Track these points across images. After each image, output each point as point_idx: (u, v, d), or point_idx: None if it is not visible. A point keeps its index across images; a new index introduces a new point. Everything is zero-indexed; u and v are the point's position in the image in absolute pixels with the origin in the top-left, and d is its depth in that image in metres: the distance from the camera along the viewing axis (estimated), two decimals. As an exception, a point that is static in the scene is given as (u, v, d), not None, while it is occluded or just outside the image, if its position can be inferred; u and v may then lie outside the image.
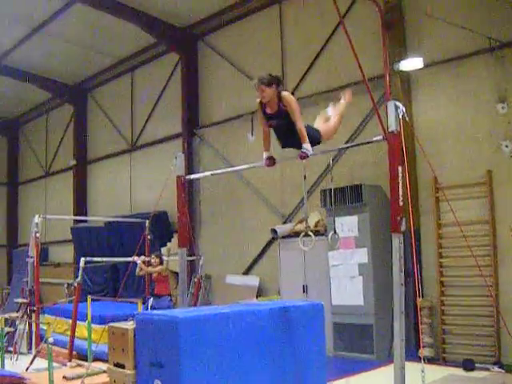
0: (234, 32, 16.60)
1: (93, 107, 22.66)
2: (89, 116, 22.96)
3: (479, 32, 10.91)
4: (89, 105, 22.97)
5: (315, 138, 6.92)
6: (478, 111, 11.29)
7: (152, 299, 11.99)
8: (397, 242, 5.98)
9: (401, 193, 5.92)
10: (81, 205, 22.61)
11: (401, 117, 5.97)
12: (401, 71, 12.00)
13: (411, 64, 11.88)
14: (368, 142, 6.79)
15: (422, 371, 4.92)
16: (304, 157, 6.63)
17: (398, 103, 6.02)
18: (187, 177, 9.17)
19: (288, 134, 6.79)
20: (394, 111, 5.99)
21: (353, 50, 7.24)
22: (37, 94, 23.43)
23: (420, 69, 11.89)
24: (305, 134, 6.58)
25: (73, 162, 22.83)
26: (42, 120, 26.14)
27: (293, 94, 14.38)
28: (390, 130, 6.03)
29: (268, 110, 6.80)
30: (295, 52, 14.91)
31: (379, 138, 6.26)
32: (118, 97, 21.23)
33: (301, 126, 6.61)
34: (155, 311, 9.01)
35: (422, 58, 11.74)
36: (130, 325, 6.86)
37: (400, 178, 5.92)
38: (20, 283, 19.95)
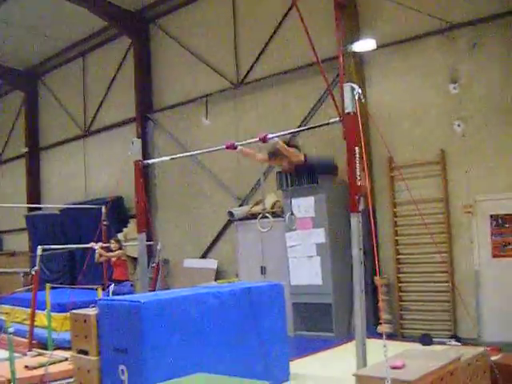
0: (187, 15, 16.46)
1: (44, 93, 22.30)
2: (40, 102, 22.59)
3: (431, 14, 11.06)
4: (40, 91, 22.58)
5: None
6: (431, 91, 11.47)
7: (113, 285, 11.96)
8: (355, 220, 6.09)
9: (358, 173, 6.02)
10: (35, 192, 22.33)
11: (357, 98, 6.05)
12: (354, 52, 12.10)
13: (364, 45, 11.99)
14: (325, 124, 6.85)
15: (384, 346, 5.03)
16: (264, 140, 6.78)
17: (354, 85, 6.09)
18: (145, 161, 9.13)
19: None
20: (350, 93, 6.06)
21: (306, 31, 7.31)
22: (-15, 81, 23.04)
23: (373, 50, 12.00)
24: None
25: (25, 149, 22.49)
26: (-9, 107, 25.68)
27: (246, 75, 14.52)
28: (346, 111, 6.12)
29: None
30: (248, 34, 14.86)
31: (336, 119, 6.35)
32: (69, 82, 20.90)
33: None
34: (117, 297, 9.01)
35: (375, 40, 11.86)
36: (92, 311, 6.87)
37: (357, 158, 6.02)
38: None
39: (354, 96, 6.04)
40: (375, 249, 6.27)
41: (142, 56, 17.49)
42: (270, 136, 6.72)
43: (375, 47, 11.91)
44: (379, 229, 11.95)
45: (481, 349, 6.79)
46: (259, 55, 14.47)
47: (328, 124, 6.69)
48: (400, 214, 11.68)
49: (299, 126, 12.79)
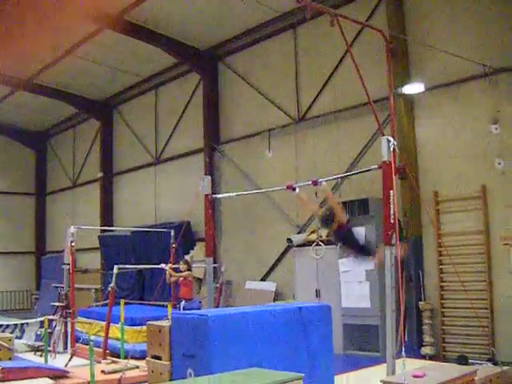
0: (252, 54, 17.73)
1: (118, 122, 23.88)
2: (114, 131, 24.18)
3: (475, 59, 11.95)
4: (114, 120, 24.18)
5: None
6: (474, 131, 12.33)
7: (184, 302, 13.03)
8: (388, 252, 7.12)
9: (392, 212, 7.06)
10: (107, 215, 23.81)
11: (392, 149, 7.10)
12: (404, 94, 13.10)
13: (413, 88, 13.04)
14: (366, 171, 7.96)
15: (404, 361, 5.96)
16: (316, 184, 7.95)
17: (389, 138, 7.15)
18: (214, 196, 10.25)
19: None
20: (386, 144, 7.12)
21: (358, 73, 8.39)
22: (65, 110, 24.76)
23: (422, 92, 13.01)
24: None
25: (99, 174, 24.01)
26: (69, 134, 27.51)
27: (306, 112, 15.59)
28: (383, 160, 7.17)
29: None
30: (308, 74, 16.01)
31: (375, 166, 7.42)
32: (142, 113, 22.42)
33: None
34: (187, 311, 10.19)
35: (423, 83, 12.89)
36: (165, 323, 8.10)
37: (391, 200, 7.07)
38: (48, 288, 21.01)
39: (389, 147, 7.10)
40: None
41: (211, 91, 18.76)
42: (320, 180, 7.85)
43: (423, 90, 12.91)
44: (425, 258, 12.85)
45: (506, 368, 7.68)
46: (318, 94, 15.53)
47: (369, 170, 7.77)
48: (444, 244, 12.48)
49: (352, 163, 13.88)
